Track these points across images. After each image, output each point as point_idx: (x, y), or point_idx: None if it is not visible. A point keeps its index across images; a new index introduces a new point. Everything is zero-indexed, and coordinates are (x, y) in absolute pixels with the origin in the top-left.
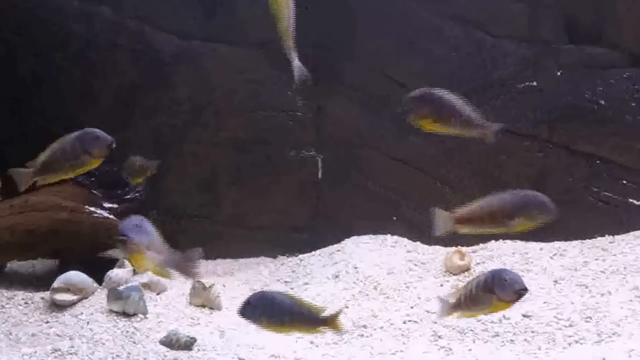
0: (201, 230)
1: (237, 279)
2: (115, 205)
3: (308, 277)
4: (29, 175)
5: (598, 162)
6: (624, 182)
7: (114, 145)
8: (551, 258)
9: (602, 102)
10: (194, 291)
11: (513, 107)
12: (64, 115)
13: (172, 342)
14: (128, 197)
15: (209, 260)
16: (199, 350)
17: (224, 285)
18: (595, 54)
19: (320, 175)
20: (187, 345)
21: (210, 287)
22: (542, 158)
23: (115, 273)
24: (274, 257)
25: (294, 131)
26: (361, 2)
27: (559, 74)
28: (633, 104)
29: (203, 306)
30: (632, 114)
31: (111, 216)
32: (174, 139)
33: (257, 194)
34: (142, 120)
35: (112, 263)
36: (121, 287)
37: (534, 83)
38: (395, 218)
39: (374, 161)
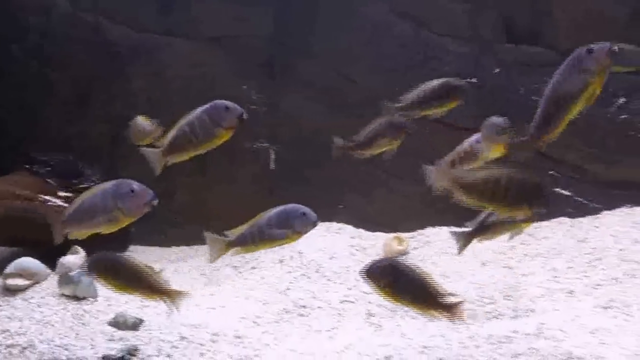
0: (157, 218)
1: (189, 264)
2: (70, 194)
3: (256, 262)
4: (159, 155)
5: (528, 154)
6: (552, 172)
7: (244, 116)
8: (481, 242)
9: (536, 98)
10: None
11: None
12: (22, 107)
13: (120, 323)
14: (83, 185)
15: (164, 247)
16: (145, 330)
17: (175, 271)
18: (531, 53)
19: (273, 166)
20: (134, 325)
21: (159, 272)
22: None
23: (67, 259)
24: None
25: (249, 124)
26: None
27: (497, 71)
28: None
29: None
30: None
31: (66, 205)
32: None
33: (212, 184)
34: (98, 111)
35: (66, 250)
36: (73, 272)
37: (474, 79)
38: (341, 206)
39: (324, 153)
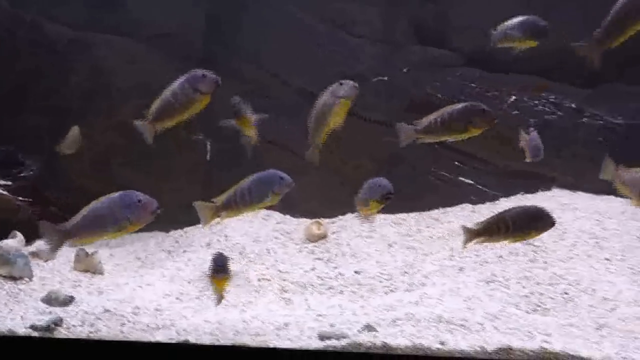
0: None
1: (125, 249)
2: (9, 183)
3: (187, 246)
4: (148, 126)
5: (437, 146)
6: (457, 163)
7: (219, 82)
8: (391, 226)
9: (440, 95)
10: (77, 258)
11: (369, 97)
12: None
13: (52, 300)
14: (22, 175)
15: None
16: (74, 305)
17: (111, 255)
18: (436, 55)
19: (208, 157)
20: (65, 302)
21: (92, 254)
22: (393, 141)
23: (6, 242)
24: (167, 231)
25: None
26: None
27: (405, 70)
28: (463, 97)
29: (86, 271)
30: None
31: (5, 192)
32: (69, 124)
33: (150, 174)
34: (39, 105)
35: (5, 235)
36: (10, 254)
37: (386, 77)
38: None
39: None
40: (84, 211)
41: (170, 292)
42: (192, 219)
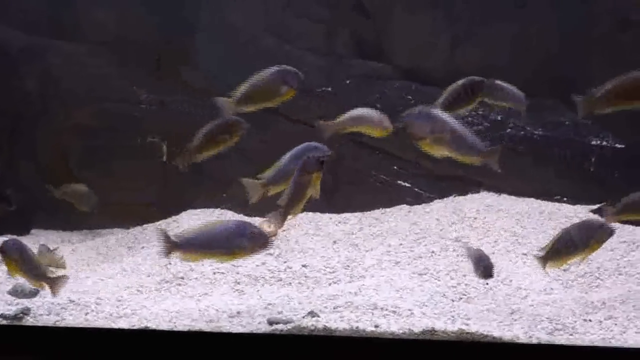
0: (56, 207)
1: (87, 245)
2: None
3: (146, 242)
4: (229, 105)
5: (377, 152)
6: (395, 167)
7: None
8: (336, 225)
9: (379, 106)
10: (40, 253)
11: (314, 107)
12: None
13: (18, 292)
14: None
15: (66, 232)
16: (40, 297)
17: (73, 250)
18: (376, 68)
19: (165, 159)
20: (32, 294)
21: (54, 249)
22: (338, 148)
23: None
24: (127, 228)
25: (140, 120)
26: (198, 10)
27: (347, 82)
28: (401, 108)
29: (49, 266)
30: (399, 115)
31: None
32: (25, 127)
33: (109, 175)
34: None
35: None
36: None
37: (329, 88)
38: (225, 195)
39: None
40: (198, 230)
41: (130, 284)
42: (150, 217)
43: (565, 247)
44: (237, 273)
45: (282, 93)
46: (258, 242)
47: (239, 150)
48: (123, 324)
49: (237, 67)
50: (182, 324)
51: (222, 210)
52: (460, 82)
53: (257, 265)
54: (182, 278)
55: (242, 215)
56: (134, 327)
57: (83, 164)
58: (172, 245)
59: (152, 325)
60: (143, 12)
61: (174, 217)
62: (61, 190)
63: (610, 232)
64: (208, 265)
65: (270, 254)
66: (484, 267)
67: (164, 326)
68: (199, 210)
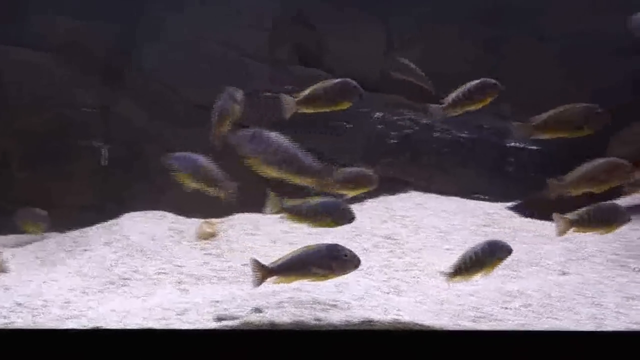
0: None
1: (25, 249)
2: None
3: (87, 245)
4: (292, 104)
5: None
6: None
7: (362, 96)
8: (275, 225)
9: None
10: None
11: (258, 111)
12: None
13: None
14: None
15: (1, 235)
16: None
17: (12, 255)
18: (315, 74)
19: (106, 163)
20: None
21: None
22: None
23: None
24: (63, 231)
25: (83, 125)
26: (143, 16)
27: (289, 87)
28: (337, 113)
29: None
30: (337, 119)
31: None
32: None
33: (50, 178)
34: None
35: None
36: None
37: (271, 93)
38: (164, 197)
39: (152, 152)
40: (291, 254)
41: (74, 286)
42: (90, 220)
43: (471, 264)
44: (180, 273)
45: (338, 104)
46: (351, 263)
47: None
48: (73, 325)
49: (189, 75)
50: (133, 323)
51: (163, 212)
52: (473, 82)
53: (199, 265)
54: (126, 279)
55: (182, 216)
56: (86, 327)
57: (24, 166)
58: (267, 272)
59: (103, 325)
60: (97, 17)
61: (114, 220)
62: (21, 217)
63: (509, 251)
64: (150, 266)
65: (211, 254)
66: None
67: (115, 326)
68: (139, 212)
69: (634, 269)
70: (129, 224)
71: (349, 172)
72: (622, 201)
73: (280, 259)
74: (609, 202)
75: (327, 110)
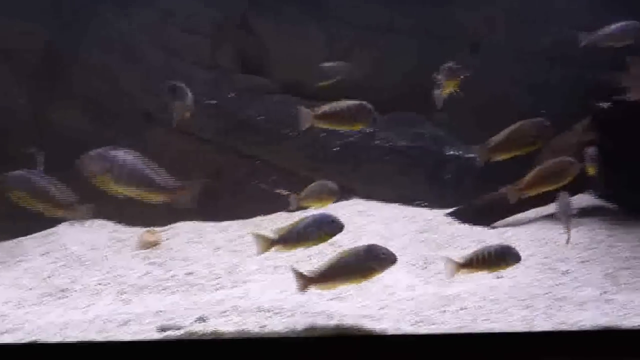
0: None
1: None
2: None
3: (22, 256)
4: (310, 116)
5: (257, 162)
6: (274, 177)
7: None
8: (218, 233)
9: (260, 118)
10: None
11: (199, 118)
12: None
13: None
14: None
15: None
16: None
17: None
18: (258, 82)
19: (42, 169)
20: None
21: None
22: (219, 158)
23: None
24: None
25: (16, 130)
26: (86, 22)
27: (231, 95)
28: (280, 120)
29: None
30: (279, 128)
31: None
32: None
33: None
34: None
35: None
36: None
37: (214, 101)
38: (106, 205)
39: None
40: (331, 261)
41: (9, 299)
42: (24, 229)
43: (482, 262)
44: (122, 283)
45: (355, 122)
46: (389, 261)
47: None
48: (8, 339)
49: (128, 81)
50: (72, 336)
51: (103, 221)
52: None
53: (141, 275)
54: (64, 290)
55: (123, 225)
56: (23, 341)
57: None
58: (308, 281)
59: (42, 338)
60: (33, 22)
61: (51, 229)
62: None
63: (519, 259)
64: (90, 276)
65: (154, 263)
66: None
67: (53, 339)
68: (77, 221)
69: (563, 271)
70: (67, 233)
71: (311, 187)
72: (538, 210)
73: (320, 266)
74: (499, 244)
75: (341, 128)
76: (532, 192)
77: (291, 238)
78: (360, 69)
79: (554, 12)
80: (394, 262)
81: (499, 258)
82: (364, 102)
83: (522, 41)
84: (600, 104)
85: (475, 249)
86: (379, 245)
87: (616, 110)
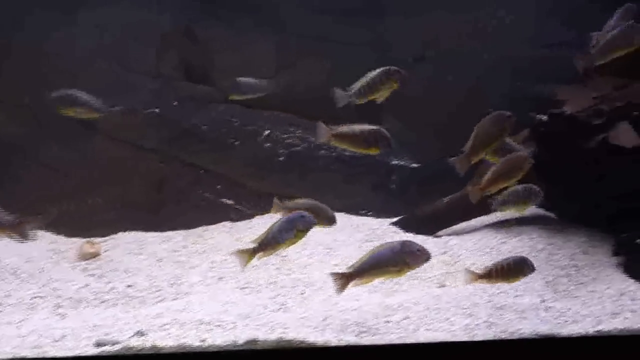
0: None
1: None
2: None
3: None
4: (328, 133)
5: (202, 171)
6: (218, 186)
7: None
8: (160, 243)
9: (205, 127)
10: None
11: (142, 127)
12: None
13: None
14: None
15: None
16: None
17: None
18: (202, 91)
19: None
20: None
21: None
22: (162, 167)
23: None
24: None
25: None
26: (28, 29)
27: (175, 104)
28: (225, 130)
29: None
30: (224, 137)
31: None
32: None
33: None
34: None
35: None
36: None
37: (157, 109)
38: (39, 215)
39: (21, 165)
40: (366, 256)
41: None
42: None
43: (501, 274)
44: (59, 297)
45: (369, 148)
46: (423, 256)
47: (47, 165)
48: None
49: (64, 87)
50: (4, 352)
51: (42, 232)
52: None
53: (80, 288)
54: None
55: (62, 236)
56: None
57: None
58: (348, 277)
59: None
60: None
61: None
62: None
63: (533, 269)
64: (25, 290)
65: (93, 275)
66: None
67: None
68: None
69: None
70: (1, 244)
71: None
72: (481, 219)
73: (356, 262)
74: (516, 256)
75: (355, 150)
76: (493, 190)
77: (269, 242)
78: (278, 86)
79: (501, 24)
80: (429, 259)
81: (517, 269)
82: (381, 129)
83: (470, 52)
84: (538, 117)
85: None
86: (413, 241)
87: (553, 122)
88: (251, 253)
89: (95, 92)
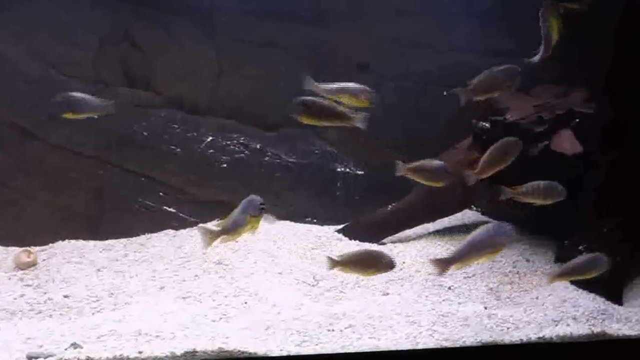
0: None
1: None
2: None
3: None
4: (468, 93)
5: (143, 178)
6: (160, 193)
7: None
8: (101, 252)
9: (145, 134)
10: None
11: (80, 133)
12: None
13: None
14: None
15: None
16: None
17: None
18: (143, 96)
19: None
20: None
21: None
22: (102, 174)
23: None
24: None
25: None
26: None
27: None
28: (166, 136)
29: None
30: (166, 143)
31: None
32: None
33: None
34: None
35: None
36: None
37: (96, 116)
38: None
39: None
40: (464, 242)
41: None
42: None
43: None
44: (4, 309)
45: (499, 89)
46: (511, 236)
47: None
48: None
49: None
50: None
51: None
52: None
53: (15, 299)
54: None
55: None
56: None
57: None
58: (447, 262)
59: None
60: None
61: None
62: None
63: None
64: None
65: (29, 285)
66: None
67: None
68: None
69: (448, 287)
70: None
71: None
72: (426, 227)
73: (457, 249)
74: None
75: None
76: (488, 174)
77: (229, 227)
78: (114, 108)
79: (435, 36)
80: (513, 238)
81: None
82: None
83: (406, 63)
84: (481, 124)
85: None
86: (504, 223)
87: (494, 129)
88: (215, 235)
89: (29, 97)
